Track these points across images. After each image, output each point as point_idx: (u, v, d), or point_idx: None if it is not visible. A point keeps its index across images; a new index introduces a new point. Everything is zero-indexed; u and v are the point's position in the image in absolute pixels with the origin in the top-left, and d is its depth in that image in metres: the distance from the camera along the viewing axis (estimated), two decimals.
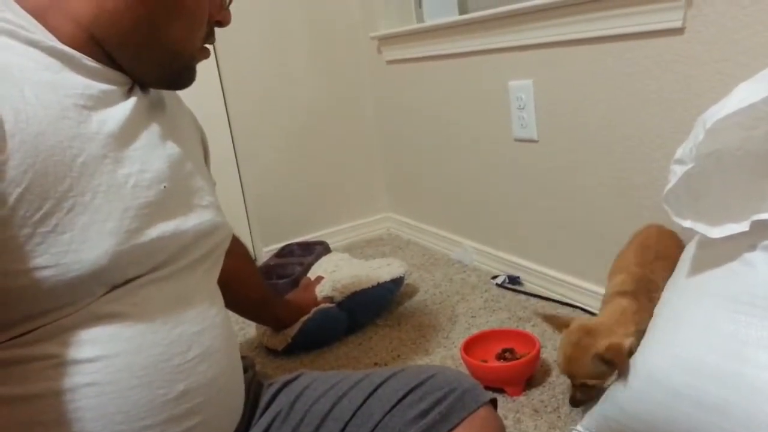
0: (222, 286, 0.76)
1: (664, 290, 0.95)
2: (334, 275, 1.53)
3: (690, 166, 0.76)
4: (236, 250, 1.17)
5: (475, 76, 1.63)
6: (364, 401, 0.74)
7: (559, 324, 1.02)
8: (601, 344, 0.94)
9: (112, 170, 0.59)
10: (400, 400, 0.73)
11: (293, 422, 0.74)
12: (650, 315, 0.94)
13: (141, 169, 0.62)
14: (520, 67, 1.47)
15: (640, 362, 0.88)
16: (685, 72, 1.09)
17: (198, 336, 0.64)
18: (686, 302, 0.86)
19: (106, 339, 0.58)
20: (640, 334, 0.93)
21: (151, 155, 0.64)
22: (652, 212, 1.21)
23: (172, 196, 0.64)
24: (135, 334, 0.59)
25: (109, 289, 0.58)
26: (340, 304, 1.45)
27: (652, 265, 1.04)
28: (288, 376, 0.83)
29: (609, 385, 0.95)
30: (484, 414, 0.73)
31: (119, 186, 0.59)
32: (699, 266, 0.87)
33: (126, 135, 0.62)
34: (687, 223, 0.81)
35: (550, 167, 1.47)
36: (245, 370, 0.83)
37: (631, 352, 0.91)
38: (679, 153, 0.79)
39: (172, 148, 0.67)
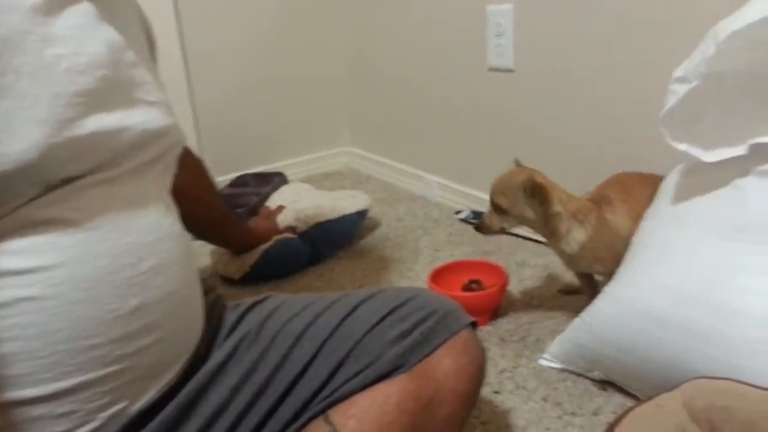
0: (178, 206, 0.69)
1: (644, 219, 0.93)
2: (295, 205, 1.47)
3: (693, 84, 0.72)
4: (189, 163, 1.09)
5: (450, 0, 1.54)
6: (342, 321, 0.69)
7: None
8: (535, 176, 1.00)
9: (39, 48, 0.51)
10: (380, 321, 0.68)
11: (263, 343, 0.69)
12: (597, 218, 0.98)
13: (75, 51, 0.54)
14: None
15: (619, 290, 0.87)
16: None
17: (151, 246, 0.58)
18: (670, 230, 0.84)
19: (44, 248, 0.51)
20: (574, 217, 0.99)
21: (87, 37, 0.56)
22: (635, 146, 1.18)
23: (112, 86, 0.57)
24: (76, 242, 0.53)
25: (43, 191, 0.51)
26: (302, 235, 1.39)
27: (607, 184, 1.06)
28: (255, 298, 0.77)
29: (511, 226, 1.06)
30: (465, 336, 0.70)
31: (48, 68, 0.52)
32: (683, 194, 0.85)
33: (54, 9, 0.53)
34: (682, 146, 0.78)
35: (526, 99, 1.42)
36: (207, 292, 0.76)
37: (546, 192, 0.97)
38: (682, 71, 0.75)
39: (110, 33, 0.59)
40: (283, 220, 1.41)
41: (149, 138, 0.60)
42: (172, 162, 0.67)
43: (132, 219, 0.57)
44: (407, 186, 1.90)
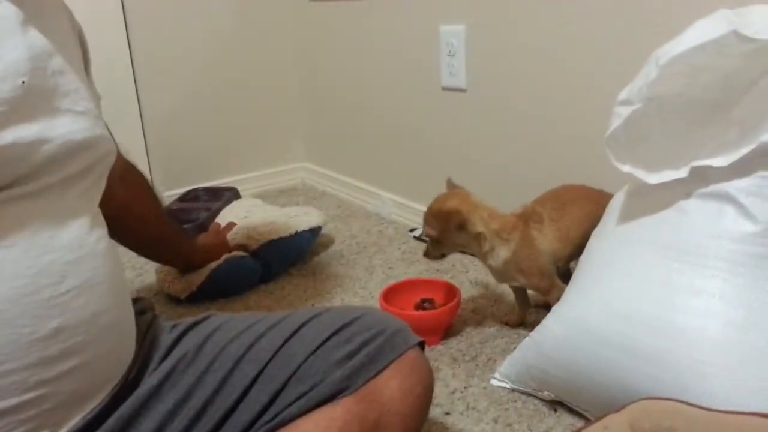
0: (115, 219, 0.67)
1: (591, 238, 0.94)
2: (246, 221, 1.43)
3: (636, 106, 0.74)
4: (131, 179, 1.05)
5: (404, 19, 1.55)
6: (285, 342, 0.66)
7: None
8: (448, 203, 1.02)
9: None
10: (324, 341, 0.66)
11: (201, 366, 0.65)
12: (521, 236, 1.00)
13: None
14: (453, 12, 1.41)
15: (567, 310, 0.87)
16: (625, 18, 1.07)
17: (74, 265, 0.55)
18: (616, 250, 0.85)
19: None
20: (498, 236, 1.01)
21: (5, 43, 0.53)
22: (584, 165, 1.20)
23: (33, 95, 0.54)
24: None
25: None
26: (254, 253, 1.35)
27: (541, 200, 1.08)
28: (195, 318, 0.74)
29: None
30: (413, 356, 0.69)
31: None
32: (629, 215, 0.86)
33: None
34: (626, 168, 0.79)
35: (477, 118, 1.43)
36: (142, 312, 0.73)
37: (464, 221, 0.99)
38: (625, 94, 0.77)
39: (34, 38, 0.55)
40: (233, 237, 1.37)
41: (74, 150, 0.56)
42: (102, 175, 0.64)
43: (53, 236, 0.54)
44: (361, 203, 1.89)
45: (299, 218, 1.48)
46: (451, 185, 1.11)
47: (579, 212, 1.03)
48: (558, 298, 0.92)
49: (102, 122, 0.62)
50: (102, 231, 0.61)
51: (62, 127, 0.55)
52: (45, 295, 0.52)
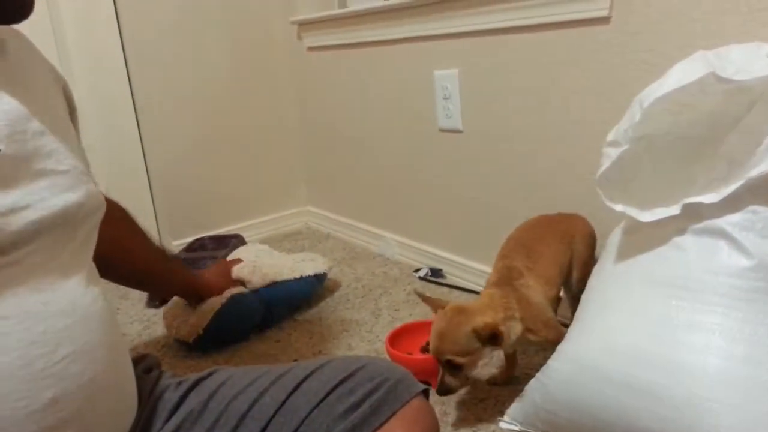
0: (103, 257, 0.65)
1: (591, 277, 0.95)
2: (254, 260, 1.44)
3: (624, 147, 0.75)
4: (112, 215, 0.99)
5: (400, 65, 1.59)
6: (288, 397, 0.66)
7: (435, 305, 1.01)
8: (478, 320, 0.92)
9: None
10: (327, 394, 0.66)
11: (206, 424, 0.66)
12: (516, 299, 0.97)
13: None
14: (446, 56, 1.45)
15: (570, 349, 0.87)
16: (611, 61, 1.10)
17: (68, 331, 0.53)
18: (615, 288, 0.86)
19: None
20: (508, 319, 0.96)
21: None
22: (579, 202, 1.21)
23: (10, 162, 0.52)
24: None
25: None
26: (257, 292, 1.35)
27: (511, 253, 1.06)
28: (200, 374, 0.74)
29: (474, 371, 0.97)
30: (417, 405, 0.69)
31: None
32: (626, 252, 0.87)
33: None
34: (618, 207, 0.80)
35: (474, 158, 1.45)
36: (149, 370, 0.73)
37: (501, 335, 0.93)
38: (613, 135, 0.78)
39: (9, 103, 0.54)
40: (239, 271, 1.36)
41: (59, 213, 0.55)
42: (93, 230, 0.62)
43: (45, 304, 0.52)
44: (366, 244, 1.90)
45: (305, 263, 1.49)
46: (426, 298, 1.04)
47: (549, 250, 1.03)
48: None
49: (88, 177, 0.61)
50: (97, 289, 0.59)
51: (45, 191, 0.54)
52: (38, 366, 0.50)
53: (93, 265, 0.62)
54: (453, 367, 0.94)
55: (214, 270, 1.38)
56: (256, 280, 1.36)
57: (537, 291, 1.00)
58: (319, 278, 1.51)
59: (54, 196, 0.54)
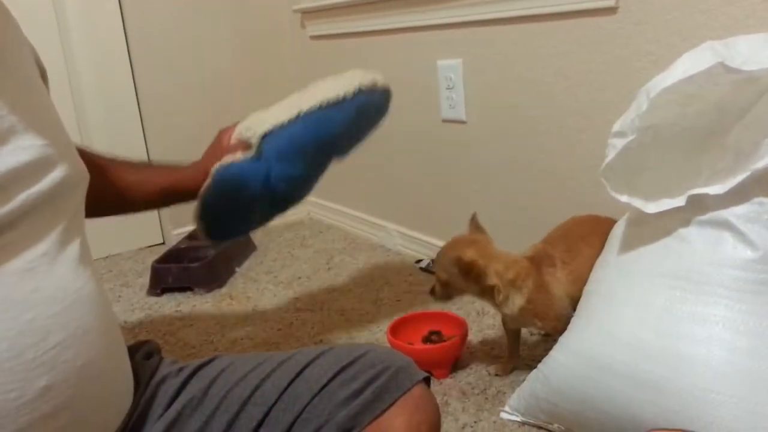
0: (92, 197, 0.61)
1: (594, 268, 0.94)
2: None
3: (631, 138, 0.75)
4: (87, 158, 0.85)
5: (403, 55, 1.58)
6: (290, 383, 0.66)
7: (472, 229, 1.10)
8: (466, 253, 0.99)
9: None
10: (329, 381, 0.66)
11: (207, 410, 0.66)
12: (534, 282, 0.98)
13: None
14: (450, 46, 1.44)
15: (573, 340, 0.87)
16: (616, 52, 1.09)
17: (58, 318, 0.51)
18: (619, 280, 0.85)
19: None
20: (511, 285, 0.98)
21: None
22: (584, 192, 1.21)
23: None
24: None
25: None
26: (259, 154, 0.93)
27: (554, 240, 1.07)
28: (201, 361, 0.74)
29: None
30: (418, 393, 0.68)
31: None
32: (631, 244, 0.87)
33: None
34: (624, 198, 0.80)
35: (478, 149, 1.44)
36: (149, 356, 0.73)
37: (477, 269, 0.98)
38: (619, 126, 0.78)
39: None
40: (236, 134, 1.01)
41: (44, 192, 0.52)
42: (79, 207, 0.59)
43: (33, 290, 0.49)
44: (367, 235, 1.90)
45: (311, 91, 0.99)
46: (475, 224, 1.09)
47: (590, 251, 1.00)
48: None
49: (65, 152, 0.57)
50: (89, 269, 0.57)
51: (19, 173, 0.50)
52: (29, 356, 0.48)
53: (83, 247, 0.58)
54: (441, 282, 1.06)
55: (205, 152, 1.11)
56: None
57: (561, 284, 0.99)
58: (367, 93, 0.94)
59: (31, 177, 0.51)
